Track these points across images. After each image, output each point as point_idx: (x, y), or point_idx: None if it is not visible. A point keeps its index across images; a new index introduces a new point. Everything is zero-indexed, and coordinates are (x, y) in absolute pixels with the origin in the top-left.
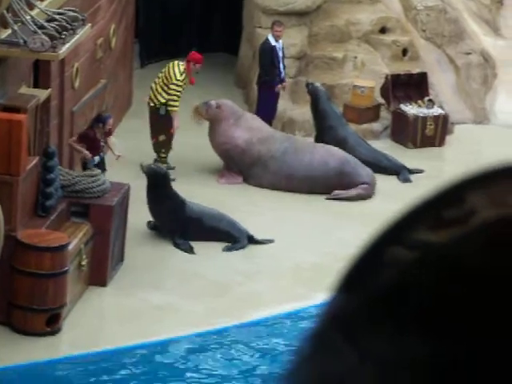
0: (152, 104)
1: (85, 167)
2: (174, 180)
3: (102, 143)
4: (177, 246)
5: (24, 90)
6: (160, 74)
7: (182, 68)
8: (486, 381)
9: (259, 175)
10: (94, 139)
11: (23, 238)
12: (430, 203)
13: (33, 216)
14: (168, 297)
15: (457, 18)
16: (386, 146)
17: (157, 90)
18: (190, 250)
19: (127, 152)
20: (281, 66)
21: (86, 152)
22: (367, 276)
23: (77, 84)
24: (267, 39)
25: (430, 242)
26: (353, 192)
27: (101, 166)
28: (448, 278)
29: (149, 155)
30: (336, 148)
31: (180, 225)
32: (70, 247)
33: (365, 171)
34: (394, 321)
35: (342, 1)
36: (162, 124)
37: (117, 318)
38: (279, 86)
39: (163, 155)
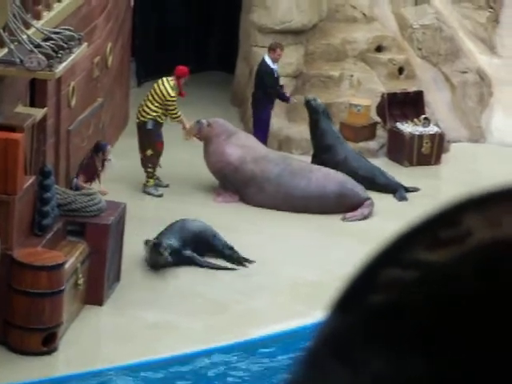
0: (139, 119)
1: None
2: (161, 196)
3: (99, 171)
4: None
5: (20, 108)
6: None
7: (172, 83)
8: None
9: (254, 196)
10: (93, 169)
11: (19, 257)
12: (426, 224)
13: (29, 235)
14: (165, 315)
15: (452, 36)
16: (382, 164)
17: (146, 105)
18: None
19: (124, 171)
20: (277, 88)
21: (94, 189)
22: (363, 296)
23: (73, 103)
24: (265, 61)
25: (427, 262)
26: (365, 211)
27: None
28: (445, 299)
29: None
30: (333, 170)
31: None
32: (67, 266)
33: (362, 189)
34: (390, 340)
35: (338, 20)
36: (149, 139)
37: (113, 337)
38: (292, 98)
39: (150, 170)
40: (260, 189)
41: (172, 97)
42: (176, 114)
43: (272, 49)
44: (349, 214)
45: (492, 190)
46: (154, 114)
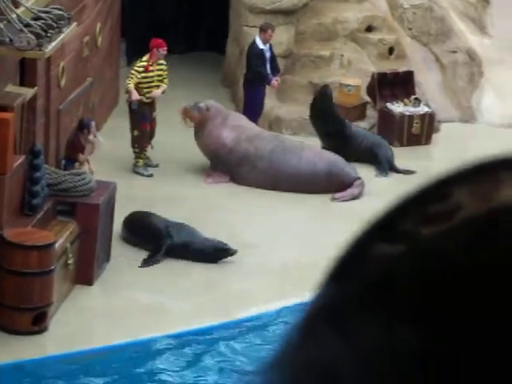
0: (127, 100)
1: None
2: (151, 176)
3: (86, 153)
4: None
5: (10, 88)
6: None
7: (143, 58)
8: (474, 369)
9: (246, 174)
10: (79, 146)
11: (9, 237)
12: (415, 198)
13: (19, 215)
14: (155, 295)
15: (443, 16)
16: None
17: None
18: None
19: (114, 150)
20: (268, 67)
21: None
22: (356, 266)
23: (63, 82)
24: (255, 42)
25: (415, 236)
26: (355, 191)
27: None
28: (430, 274)
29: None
30: (325, 150)
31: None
32: (57, 246)
33: (353, 169)
34: (381, 312)
35: None
36: (134, 119)
37: (103, 317)
38: (274, 81)
39: (137, 150)
40: (252, 167)
41: (135, 65)
42: (127, 80)
43: (263, 29)
44: (338, 194)
45: (480, 163)
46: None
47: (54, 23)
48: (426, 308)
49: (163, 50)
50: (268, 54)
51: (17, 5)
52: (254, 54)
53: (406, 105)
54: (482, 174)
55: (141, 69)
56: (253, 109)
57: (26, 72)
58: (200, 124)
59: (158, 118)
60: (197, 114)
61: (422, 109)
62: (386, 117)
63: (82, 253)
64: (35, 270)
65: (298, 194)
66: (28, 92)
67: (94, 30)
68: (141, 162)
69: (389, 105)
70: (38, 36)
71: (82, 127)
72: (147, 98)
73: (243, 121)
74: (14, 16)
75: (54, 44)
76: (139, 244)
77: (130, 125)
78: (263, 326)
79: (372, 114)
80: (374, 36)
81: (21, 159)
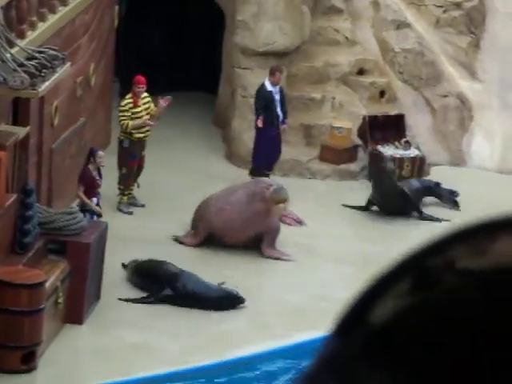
0: (118, 137)
1: (82, 208)
2: (130, 214)
3: (98, 180)
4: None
5: (3, 127)
6: None
7: (127, 96)
8: None
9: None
10: (90, 177)
11: (0, 275)
12: (416, 256)
13: (10, 253)
14: (144, 335)
15: (434, 60)
16: (362, 187)
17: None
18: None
19: (106, 189)
20: (278, 109)
21: (90, 203)
22: (361, 320)
23: (56, 122)
24: (264, 85)
25: (417, 292)
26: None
27: (98, 208)
28: (440, 326)
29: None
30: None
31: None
32: (47, 285)
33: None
34: (386, 363)
35: (320, 42)
36: (123, 157)
37: (93, 356)
38: (283, 126)
39: (122, 187)
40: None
41: (120, 106)
42: (121, 123)
43: (272, 72)
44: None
45: (479, 222)
46: (122, 132)
47: (48, 63)
48: (431, 358)
49: (139, 88)
50: (277, 96)
51: (11, 44)
52: (260, 95)
53: (396, 147)
54: (480, 232)
55: (128, 106)
56: (261, 152)
57: (19, 111)
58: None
59: (148, 157)
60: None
61: (413, 152)
62: (376, 159)
63: (73, 291)
64: (25, 309)
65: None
66: (21, 131)
67: (87, 69)
68: (124, 199)
69: (379, 147)
70: (31, 75)
71: (89, 156)
72: (139, 134)
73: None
74: (8, 55)
75: (47, 84)
76: (147, 289)
77: (118, 162)
78: (253, 366)
79: (363, 156)
80: (365, 79)
81: (13, 198)
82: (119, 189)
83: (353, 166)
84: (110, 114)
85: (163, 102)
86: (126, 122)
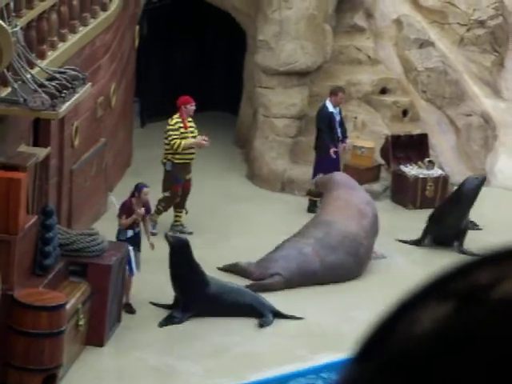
0: (162, 161)
1: (118, 237)
2: (155, 235)
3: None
4: (171, 318)
5: (23, 148)
6: None
7: (174, 116)
8: None
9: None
10: (130, 209)
11: (20, 297)
12: (438, 280)
13: (30, 275)
14: (165, 357)
15: (457, 79)
16: (385, 207)
17: (164, 146)
18: (179, 322)
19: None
20: (338, 130)
21: (124, 220)
22: (382, 346)
23: (76, 142)
24: (325, 105)
25: (438, 316)
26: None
27: (134, 241)
28: (460, 350)
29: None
30: None
31: (198, 301)
32: (68, 307)
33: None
34: None
35: (342, 61)
36: (166, 180)
37: (114, 379)
38: (343, 145)
39: (160, 208)
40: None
41: (169, 125)
42: (173, 142)
43: (333, 93)
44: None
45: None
46: (167, 153)
47: (68, 83)
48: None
49: (191, 106)
50: (338, 118)
51: (32, 65)
52: (322, 115)
53: (419, 167)
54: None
55: (177, 126)
56: (322, 172)
57: (39, 132)
58: None
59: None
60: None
61: (436, 172)
62: (399, 179)
63: (94, 314)
64: (45, 331)
65: None
66: (41, 152)
67: (108, 90)
68: (155, 216)
69: (402, 167)
70: (52, 96)
71: (135, 190)
72: (184, 158)
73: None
74: (28, 76)
75: (67, 104)
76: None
77: (163, 186)
78: None
79: (386, 176)
80: (388, 98)
81: (33, 219)
82: (157, 207)
83: (375, 186)
84: (130, 135)
85: (203, 140)
86: (178, 141)
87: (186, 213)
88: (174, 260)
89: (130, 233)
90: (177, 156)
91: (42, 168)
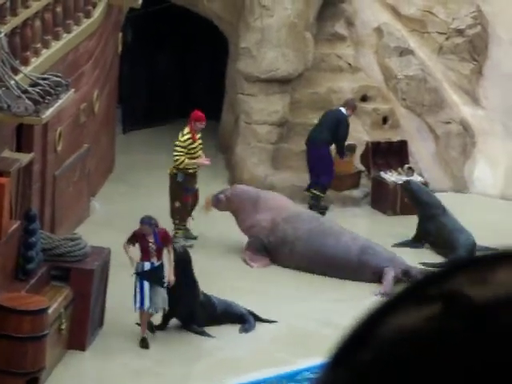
0: (170, 170)
1: (136, 271)
2: (191, 246)
3: (151, 246)
4: (192, 330)
5: (7, 153)
6: None
7: (185, 130)
8: None
9: (285, 256)
10: (142, 240)
11: (3, 302)
12: (416, 284)
13: (13, 279)
14: (147, 361)
15: (437, 87)
16: (365, 213)
17: (173, 157)
18: (204, 333)
19: (109, 215)
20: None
21: (131, 255)
22: (355, 353)
23: (59, 148)
24: (344, 113)
25: (415, 320)
26: (389, 278)
27: (152, 275)
28: (424, 361)
29: (132, 218)
30: (359, 235)
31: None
32: (50, 311)
33: (384, 255)
34: None
35: (323, 69)
36: (176, 191)
37: (96, 383)
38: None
39: (177, 221)
40: (291, 248)
41: (179, 141)
42: (176, 159)
43: (353, 107)
44: (383, 290)
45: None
46: (176, 165)
47: (51, 90)
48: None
49: (200, 124)
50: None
51: (15, 71)
52: (346, 125)
53: (399, 174)
54: (482, 263)
55: (188, 141)
56: (331, 171)
57: (22, 137)
58: (232, 213)
59: (150, 181)
60: (217, 205)
61: (415, 178)
62: (379, 186)
63: (76, 318)
64: (28, 335)
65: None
66: (24, 157)
67: (91, 96)
68: (180, 233)
69: (382, 174)
70: (35, 102)
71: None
72: (192, 168)
73: (277, 202)
74: (12, 82)
75: (51, 110)
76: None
77: (171, 196)
78: None
79: (366, 182)
80: (368, 105)
81: (16, 224)
82: (174, 223)
83: (355, 192)
84: (113, 141)
85: (206, 160)
86: (182, 158)
87: (193, 219)
88: (176, 270)
89: (146, 265)
90: (188, 168)
91: (25, 173)
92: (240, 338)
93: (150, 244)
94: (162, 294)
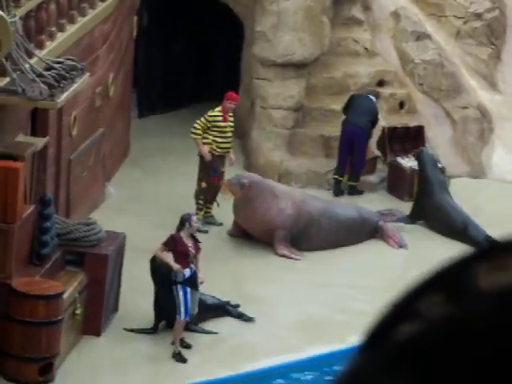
0: (198, 153)
1: (175, 280)
2: (206, 232)
3: (191, 250)
4: (192, 330)
5: (21, 137)
6: None
7: (216, 109)
8: None
9: (315, 235)
10: (181, 244)
11: (17, 286)
12: (438, 273)
13: (28, 264)
14: (162, 347)
15: (454, 72)
16: (381, 199)
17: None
18: (205, 331)
19: (123, 200)
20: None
21: (174, 263)
22: (388, 334)
23: (74, 132)
24: (375, 103)
25: (440, 307)
26: (392, 231)
27: (192, 281)
28: (462, 343)
29: (147, 203)
30: (350, 203)
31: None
32: (65, 296)
33: (370, 210)
34: (412, 379)
35: (340, 53)
36: (204, 171)
37: (110, 368)
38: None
39: (200, 202)
40: (318, 227)
41: (208, 114)
42: (193, 131)
43: (377, 97)
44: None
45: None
46: (205, 143)
47: (66, 73)
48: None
49: (230, 104)
50: None
51: (30, 55)
52: (377, 112)
53: (416, 159)
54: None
55: (216, 118)
56: (365, 158)
57: (37, 121)
58: (242, 199)
59: (167, 167)
60: (239, 190)
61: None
62: (395, 171)
63: (90, 303)
64: (43, 320)
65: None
66: (39, 142)
67: (106, 80)
68: (200, 214)
69: (399, 159)
70: (50, 86)
71: (183, 222)
72: (221, 149)
73: (282, 187)
74: (27, 66)
75: (66, 94)
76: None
77: (198, 176)
78: (269, 379)
79: (382, 168)
80: (385, 90)
81: (31, 209)
82: (197, 203)
83: (372, 178)
84: (128, 125)
85: (206, 155)
86: (199, 131)
87: (218, 205)
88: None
89: (187, 272)
90: (217, 149)
91: (39, 158)
92: (255, 324)
93: (190, 247)
94: (196, 298)
